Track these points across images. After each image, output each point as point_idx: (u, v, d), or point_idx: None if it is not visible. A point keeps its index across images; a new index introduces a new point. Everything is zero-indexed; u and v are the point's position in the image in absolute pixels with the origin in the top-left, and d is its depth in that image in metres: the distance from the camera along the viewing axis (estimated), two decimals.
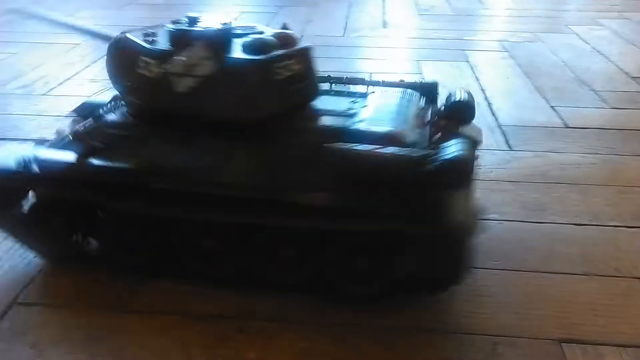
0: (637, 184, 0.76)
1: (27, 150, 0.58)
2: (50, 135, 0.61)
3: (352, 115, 0.55)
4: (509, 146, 0.85)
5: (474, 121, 0.60)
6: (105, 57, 0.58)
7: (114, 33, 0.61)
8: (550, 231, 0.66)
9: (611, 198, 0.72)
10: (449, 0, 1.81)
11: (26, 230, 0.60)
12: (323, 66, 0.59)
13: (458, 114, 0.58)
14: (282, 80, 0.52)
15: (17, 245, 0.62)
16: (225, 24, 0.55)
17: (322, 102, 0.57)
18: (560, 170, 0.79)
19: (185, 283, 0.56)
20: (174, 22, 0.55)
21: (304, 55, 0.55)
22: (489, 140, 0.87)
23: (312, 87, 0.56)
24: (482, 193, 0.73)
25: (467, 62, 1.22)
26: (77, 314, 0.54)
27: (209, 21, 0.55)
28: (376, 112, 0.56)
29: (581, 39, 1.39)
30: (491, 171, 0.78)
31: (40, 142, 0.59)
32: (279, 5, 1.73)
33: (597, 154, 0.83)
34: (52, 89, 1.07)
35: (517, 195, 0.73)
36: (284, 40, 0.54)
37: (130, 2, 1.77)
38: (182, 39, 0.53)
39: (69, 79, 1.13)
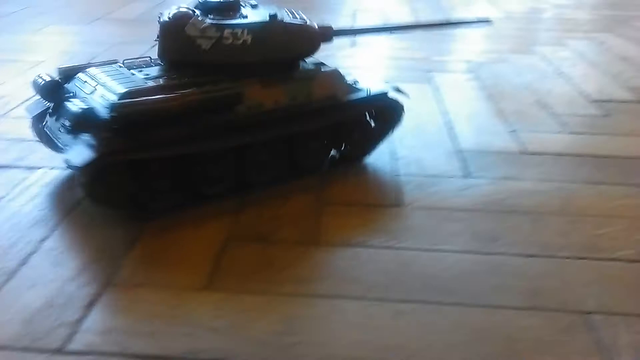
0: (590, 213, 0.77)
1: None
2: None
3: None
4: (468, 173, 0.86)
5: None
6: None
7: None
8: (500, 263, 0.66)
9: (563, 228, 0.73)
10: (418, 19, 1.83)
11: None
12: None
13: None
14: None
15: None
16: None
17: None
18: (515, 198, 0.80)
19: None
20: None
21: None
22: (447, 166, 0.88)
23: None
24: (435, 223, 0.74)
25: (432, 83, 1.23)
26: None
27: None
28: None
29: (546, 60, 1.41)
30: (446, 199, 0.79)
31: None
32: None
33: (552, 181, 0.84)
34: (11, 109, 1.06)
35: (470, 225, 0.73)
36: None
37: (99, 17, 1.76)
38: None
39: (30, 99, 1.11)
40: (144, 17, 1.78)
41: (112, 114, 0.67)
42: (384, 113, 0.87)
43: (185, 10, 0.75)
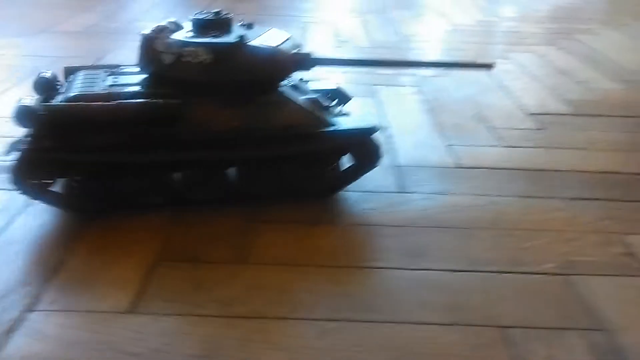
0: (519, 226, 0.78)
1: None
2: None
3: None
4: (402, 187, 0.87)
5: None
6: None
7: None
8: (426, 279, 0.67)
9: (491, 242, 0.75)
10: (368, 32, 1.85)
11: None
12: None
13: None
14: None
15: None
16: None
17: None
18: (447, 213, 0.81)
19: None
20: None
21: None
22: (384, 182, 0.89)
23: None
24: (367, 240, 0.75)
25: (376, 97, 1.24)
26: None
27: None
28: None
29: (488, 73, 1.43)
30: (380, 215, 0.80)
31: None
32: None
33: (485, 195, 0.86)
34: None
35: (401, 241, 0.74)
36: None
37: (43, 30, 1.73)
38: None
39: None
40: (91, 30, 1.76)
41: (43, 114, 0.72)
42: (355, 152, 0.82)
43: (164, 25, 0.78)
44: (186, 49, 0.75)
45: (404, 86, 1.32)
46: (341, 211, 0.81)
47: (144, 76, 0.80)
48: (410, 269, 0.69)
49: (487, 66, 0.96)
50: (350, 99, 0.89)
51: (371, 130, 0.80)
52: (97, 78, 0.80)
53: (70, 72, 0.85)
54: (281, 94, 0.79)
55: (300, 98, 0.79)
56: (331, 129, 0.78)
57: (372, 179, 0.88)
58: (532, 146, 1.03)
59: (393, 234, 0.76)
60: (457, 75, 1.41)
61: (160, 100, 0.74)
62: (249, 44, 0.76)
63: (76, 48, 1.55)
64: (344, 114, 0.83)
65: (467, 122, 1.13)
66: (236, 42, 0.75)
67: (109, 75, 0.81)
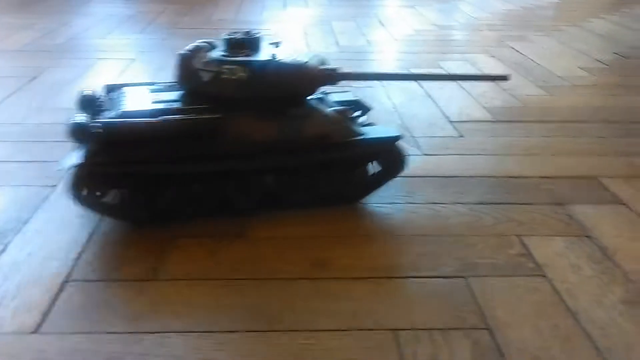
0: (422, 233, 0.82)
1: None
2: None
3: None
4: None
5: None
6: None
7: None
8: (327, 287, 0.70)
9: (393, 249, 0.79)
10: (309, 44, 1.88)
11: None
12: None
13: None
14: None
15: None
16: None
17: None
18: (355, 221, 0.85)
19: None
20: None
21: None
22: None
23: None
24: (276, 252, 0.77)
25: None
26: None
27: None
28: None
29: (418, 82, 1.48)
30: (291, 227, 0.83)
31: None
32: (141, 51, 1.75)
33: (394, 203, 0.90)
34: None
35: (309, 252, 0.77)
36: None
37: None
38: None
39: None
40: (28, 47, 1.76)
41: (98, 130, 0.77)
42: (382, 159, 0.89)
43: (200, 44, 0.84)
44: (224, 66, 0.80)
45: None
46: (253, 224, 0.83)
47: (181, 93, 0.85)
48: (313, 278, 0.72)
49: (502, 78, 0.99)
50: (370, 110, 0.95)
51: (396, 139, 0.87)
52: (139, 95, 0.85)
53: (110, 89, 0.90)
54: (311, 106, 0.85)
55: (328, 110, 0.85)
56: (360, 138, 0.85)
57: None
58: (448, 153, 1.08)
59: (302, 246, 0.79)
60: (387, 84, 1.46)
61: (204, 116, 0.79)
62: (281, 61, 0.82)
63: (10, 67, 1.55)
64: (369, 124, 0.90)
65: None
66: (270, 59, 0.81)
67: (150, 92, 0.86)
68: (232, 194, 0.84)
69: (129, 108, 0.81)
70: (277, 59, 0.81)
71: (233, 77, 0.80)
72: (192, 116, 0.79)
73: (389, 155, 0.89)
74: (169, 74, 1.47)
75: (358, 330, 0.63)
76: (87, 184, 0.79)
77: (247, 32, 0.85)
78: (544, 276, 0.73)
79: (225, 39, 0.84)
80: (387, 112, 1.28)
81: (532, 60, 1.73)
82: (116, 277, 0.72)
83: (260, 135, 0.81)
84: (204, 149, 0.79)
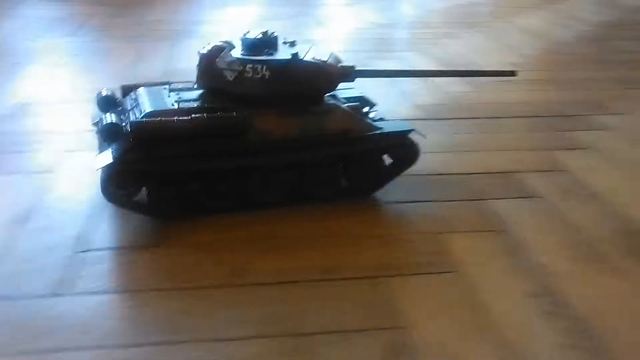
0: (345, 234, 0.83)
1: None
2: None
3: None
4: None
5: None
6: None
7: None
8: (245, 293, 0.70)
9: (313, 252, 0.79)
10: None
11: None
12: None
13: None
14: None
15: None
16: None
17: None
18: (272, 225, 0.84)
19: None
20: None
21: None
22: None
23: None
24: (194, 260, 0.77)
25: None
26: None
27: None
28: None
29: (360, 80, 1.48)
30: (210, 234, 0.82)
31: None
32: (72, 55, 1.71)
33: (315, 204, 0.89)
34: None
35: (226, 259, 0.77)
36: None
37: None
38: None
39: None
40: None
41: (130, 129, 0.80)
42: (398, 151, 0.92)
43: (221, 44, 0.87)
44: (248, 66, 0.83)
45: None
46: (171, 232, 0.82)
47: (201, 92, 0.88)
48: (234, 285, 0.72)
49: (510, 73, 1.03)
50: (375, 105, 0.97)
51: (410, 131, 0.91)
52: (159, 95, 0.87)
53: (126, 89, 0.93)
54: (329, 103, 0.89)
55: (344, 106, 0.89)
56: (378, 132, 0.89)
57: None
58: None
59: (220, 252, 0.78)
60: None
61: (232, 114, 0.82)
62: (302, 59, 0.85)
63: None
64: (380, 118, 0.93)
65: None
66: (291, 58, 0.84)
67: (170, 92, 0.88)
68: (257, 189, 0.87)
69: (155, 107, 0.83)
70: (298, 58, 0.85)
71: (257, 76, 0.83)
72: (222, 114, 0.82)
73: (404, 147, 0.92)
74: (99, 77, 1.44)
75: (270, 337, 0.63)
76: (120, 182, 0.81)
77: (265, 32, 0.88)
78: (457, 272, 0.75)
79: (243, 39, 0.87)
80: None
81: (464, 56, 1.77)
82: (20, 294, 0.70)
83: (283, 131, 0.84)
84: (232, 145, 0.83)
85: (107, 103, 0.91)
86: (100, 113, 0.90)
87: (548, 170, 1.03)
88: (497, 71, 1.08)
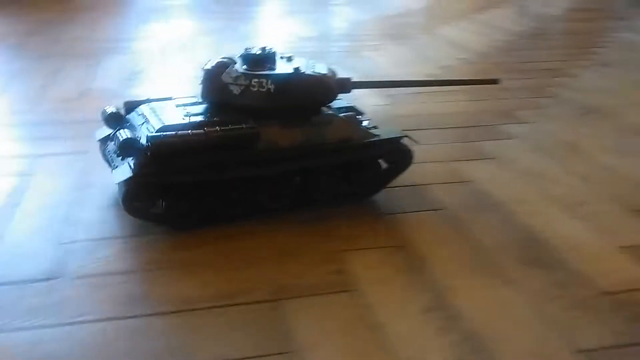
0: (239, 257, 0.82)
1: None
2: None
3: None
4: (141, 231, 0.88)
5: None
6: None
7: None
8: (139, 325, 0.69)
9: (209, 277, 0.78)
10: (165, 60, 1.85)
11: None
12: None
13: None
14: None
15: None
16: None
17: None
18: (174, 252, 0.83)
19: None
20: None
21: None
22: (123, 226, 0.89)
23: None
24: (88, 292, 0.74)
25: None
26: None
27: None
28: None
29: None
30: (110, 264, 0.80)
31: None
32: None
33: (213, 231, 0.89)
34: None
35: (124, 289, 0.75)
36: None
37: None
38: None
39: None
40: None
41: (147, 144, 0.82)
42: (394, 156, 0.99)
43: (224, 60, 0.91)
44: (253, 80, 0.87)
45: None
46: (70, 263, 0.80)
47: (205, 106, 0.92)
48: (124, 317, 0.70)
49: (494, 81, 1.09)
50: (363, 114, 1.01)
51: (402, 137, 0.97)
52: (167, 110, 0.91)
53: (130, 105, 0.96)
54: (328, 113, 0.93)
55: (341, 115, 0.94)
56: (375, 138, 0.94)
57: (111, 225, 0.89)
58: None
59: (119, 282, 0.76)
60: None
61: (242, 126, 0.86)
62: (304, 73, 0.89)
63: None
64: (374, 126, 0.97)
65: None
66: (294, 72, 0.89)
67: (176, 107, 0.92)
68: (267, 197, 0.91)
69: (167, 122, 0.86)
70: (300, 72, 0.89)
71: (262, 90, 0.87)
72: (234, 127, 0.85)
73: (399, 152, 0.98)
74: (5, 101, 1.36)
75: None
76: (140, 195, 0.85)
77: (263, 48, 0.92)
78: (355, 291, 0.75)
79: (244, 55, 0.91)
80: None
81: (384, 68, 1.80)
82: None
83: (289, 141, 0.89)
84: (243, 156, 0.87)
85: (116, 120, 0.94)
86: (107, 130, 0.96)
87: (453, 181, 1.06)
88: (479, 80, 1.14)
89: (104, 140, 0.97)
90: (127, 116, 0.95)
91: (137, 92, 1.51)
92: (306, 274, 0.79)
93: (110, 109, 0.95)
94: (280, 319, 0.70)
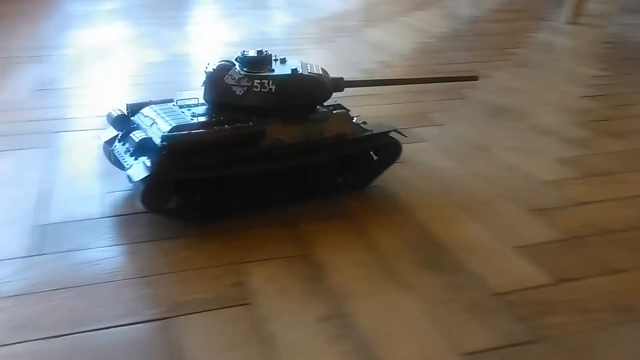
0: (141, 274, 0.81)
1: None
2: None
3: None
4: (38, 250, 0.85)
5: None
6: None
7: None
8: (26, 351, 0.66)
9: (107, 296, 0.76)
10: (80, 73, 1.80)
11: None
12: None
13: None
14: None
15: None
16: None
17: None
18: (74, 272, 0.81)
19: None
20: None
21: None
22: (16, 247, 0.86)
23: None
24: None
25: (52, 147, 1.20)
26: None
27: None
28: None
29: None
30: (2, 285, 0.77)
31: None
32: None
33: (119, 245, 0.87)
34: None
35: (14, 313, 0.72)
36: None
37: None
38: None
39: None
40: None
41: (163, 143, 0.88)
42: (385, 149, 1.07)
43: (225, 63, 0.96)
44: (255, 81, 0.93)
45: (89, 130, 1.30)
46: None
47: (208, 106, 0.98)
48: (11, 343, 0.67)
49: (473, 78, 1.17)
50: (349, 111, 1.06)
51: (392, 131, 1.06)
52: (174, 111, 0.96)
53: (133, 108, 1.00)
54: (322, 110, 1.01)
55: (334, 112, 1.01)
56: (367, 133, 1.03)
57: (4, 246, 0.86)
58: None
59: (7, 307, 0.73)
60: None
61: (249, 124, 0.93)
62: (302, 74, 0.96)
63: None
64: (364, 122, 1.05)
65: None
66: (292, 73, 0.95)
67: (180, 108, 0.98)
68: (272, 190, 0.98)
69: (178, 122, 0.91)
70: (298, 73, 0.96)
71: (264, 90, 0.94)
72: (241, 125, 0.92)
73: (390, 145, 1.07)
74: None
75: None
76: (158, 192, 0.89)
77: (259, 51, 0.97)
78: (251, 304, 0.75)
79: (242, 57, 0.97)
80: None
81: None
82: None
83: (290, 137, 0.96)
84: (250, 152, 0.93)
85: (122, 122, 0.99)
86: (112, 132, 1.01)
87: (358, 191, 1.07)
88: (460, 77, 1.20)
89: (110, 142, 1.01)
90: (131, 118, 0.99)
91: (48, 104, 1.47)
92: (204, 289, 0.78)
93: (117, 112, 0.99)
94: (172, 338, 0.69)
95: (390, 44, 2.21)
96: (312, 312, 0.74)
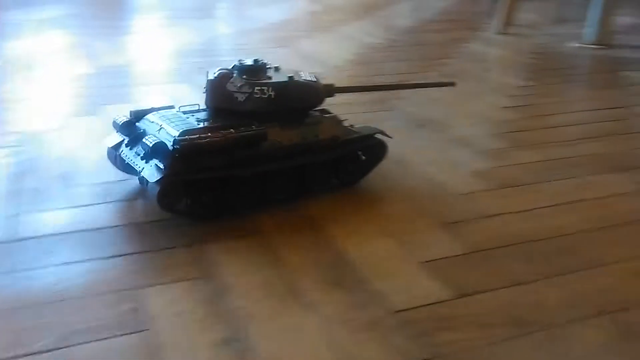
0: (19, 305, 0.78)
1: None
2: None
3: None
4: None
5: None
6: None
7: None
8: None
9: (14, 328, 0.74)
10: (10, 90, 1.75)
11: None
12: None
13: None
14: None
15: None
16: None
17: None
18: None
19: None
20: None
21: None
22: None
23: None
24: None
25: None
26: None
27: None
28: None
29: (107, 120, 1.44)
30: None
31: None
32: None
33: (48, 267, 0.85)
34: None
35: None
36: None
37: None
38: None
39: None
40: None
41: (176, 146, 0.94)
42: (373, 149, 1.16)
43: (226, 71, 1.03)
44: (256, 88, 1.01)
45: (2, 148, 1.26)
46: None
47: (210, 112, 1.04)
48: None
49: (450, 84, 1.28)
50: (336, 114, 1.14)
51: (378, 133, 1.15)
52: (179, 117, 1.02)
53: (137, 114, 1.06)
54: (315, 115, 1.09)
55: (326, 116, 1.10)
56: (357, 135, 1.12)
57: None
58: (106, 201, 1.05)
59: None
60: (75, 126, 1.40)
61: (252, 127, 0.99)
62: (298, 80, 1.05)
63: None
64: (351, 125, 1.14)
65: (50, 183, 1.11)
66: (289, 80, 1.04)
67: (185, 114, 1.03)
68: (272, 189, 1.04)
69: (185, 127, 0.97)
70: (294, 80, 1.04)
71: (264, 96, 1.01)
72: (246, 128, 0.98)
73: (377, 146, 1.16)
74: None
75: None
76: (172, 192, 0.96)
77: (256, 60, 1.05)
78: (147, 331, 0.73)
79: (239, 66, 1.03)
80: (57, 161, 1.21)
81: None
82: None
83: (288, 140, 1.03)
84: (254, 154, 1.00)
85: (128, 127, 1.04)
86: (120, 137, 1.06)
87: (279, 205, 1.06)
88: (438, 83, 1.29)
89: (117, 147, 1.06)
90: (136, 124, 1.04)
91: None
92: (97, 317, 0.75)
93: (123, 119, 1.05)
94: None
95: (325, 55, 2.22)
96: (211, 336, 0.72)
